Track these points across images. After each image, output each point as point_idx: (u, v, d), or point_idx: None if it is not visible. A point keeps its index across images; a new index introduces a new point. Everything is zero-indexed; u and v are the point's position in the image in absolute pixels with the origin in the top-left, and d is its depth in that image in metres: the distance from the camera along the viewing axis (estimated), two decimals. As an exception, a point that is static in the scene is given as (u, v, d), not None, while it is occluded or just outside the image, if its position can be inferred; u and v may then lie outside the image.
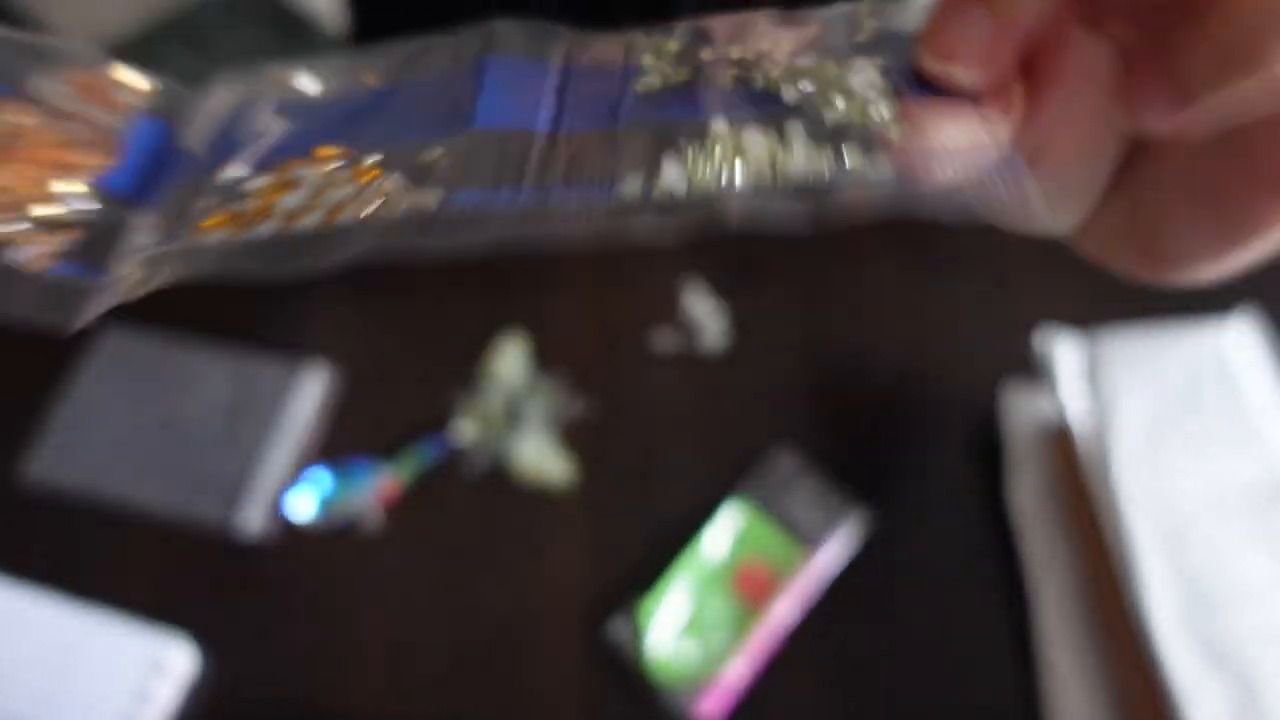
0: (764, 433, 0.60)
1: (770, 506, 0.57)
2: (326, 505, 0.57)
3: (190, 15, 2.01)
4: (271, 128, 0.22)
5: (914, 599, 0.54)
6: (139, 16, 1.99)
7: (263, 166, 0.21)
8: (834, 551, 0.55)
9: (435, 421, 0.61)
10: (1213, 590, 0.48)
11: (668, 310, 0.65)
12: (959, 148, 0.18)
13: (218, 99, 0.23)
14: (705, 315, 0.65)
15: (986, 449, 0.59)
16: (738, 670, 0.52)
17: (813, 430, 0.60)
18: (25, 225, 0.20)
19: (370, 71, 0.23)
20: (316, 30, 2.07)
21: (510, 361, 0.63)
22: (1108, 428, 0.52)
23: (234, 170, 0.21)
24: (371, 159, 0.20)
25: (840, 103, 0.19)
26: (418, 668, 0.53)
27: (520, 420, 0.60)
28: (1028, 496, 0.56)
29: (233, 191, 0.21)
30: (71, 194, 0.21)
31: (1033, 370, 0.58)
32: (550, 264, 0.67)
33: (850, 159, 0.18)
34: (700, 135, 0.19)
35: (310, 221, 0.20)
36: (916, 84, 0.19)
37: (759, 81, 0.20)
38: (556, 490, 0.58)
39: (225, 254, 0.20)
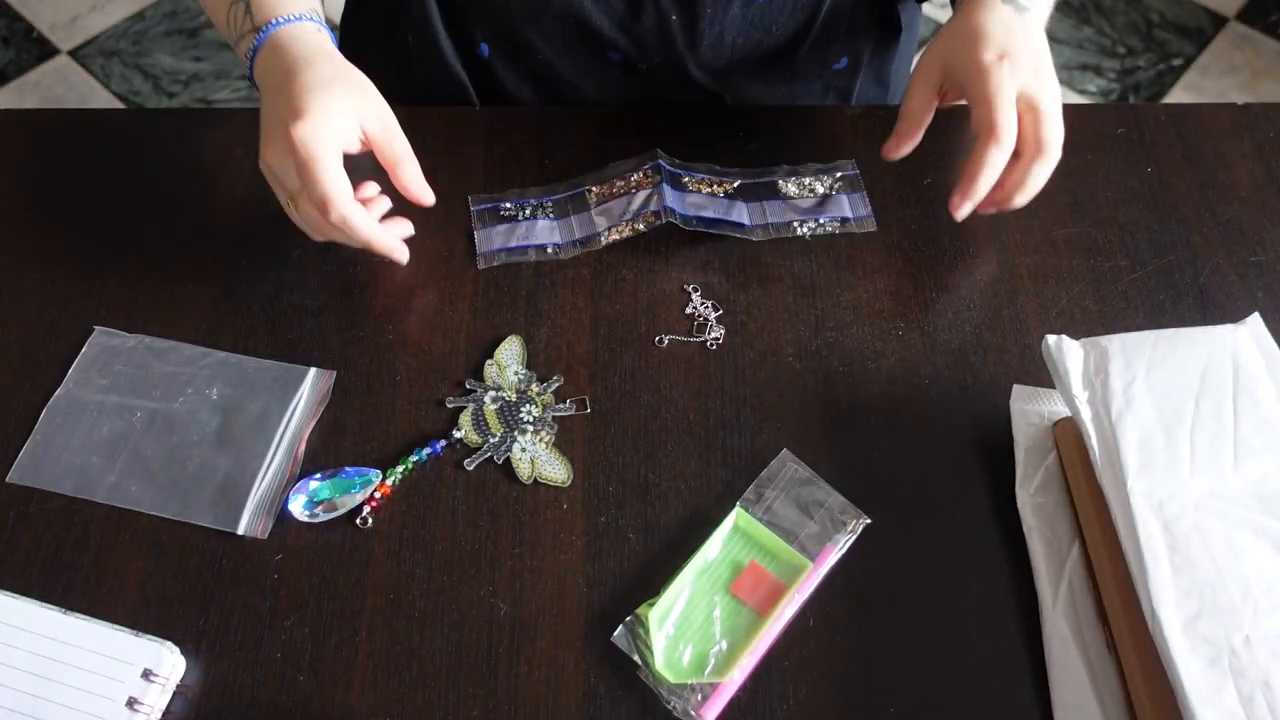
0: (766, 435, 0.59)
1: (773, 510, 0.56)
2: (323, 508, 0.56)
3: (178, 12, 2.00)
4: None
5: (918, 601, 0.54)
6: (130, 10, 1.98)
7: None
8: (837, 554, 0.55)
9: (433, 423, 0.60)
10: (1224, 591, 0.48)
11: (668, 311, 0.65)
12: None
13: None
14: (706, 316, 0.64)
15: (994, 450, 0.58)
16: (740, 674, 0.51)
17: (815, 432, 0.60)
18: None
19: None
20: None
21: (509, 362, 0.62)
22: (1118, 428, 0.52)
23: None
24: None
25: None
26: (415, 672, 0.52)
27: (519, 421, 0.60)
28: (1036, 498, 0.56)
29: None
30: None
31: (1041, 371, 0.57)
32: (549, 265, 0.66)
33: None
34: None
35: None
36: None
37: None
38: (556, 492, 0.57)
39: None
